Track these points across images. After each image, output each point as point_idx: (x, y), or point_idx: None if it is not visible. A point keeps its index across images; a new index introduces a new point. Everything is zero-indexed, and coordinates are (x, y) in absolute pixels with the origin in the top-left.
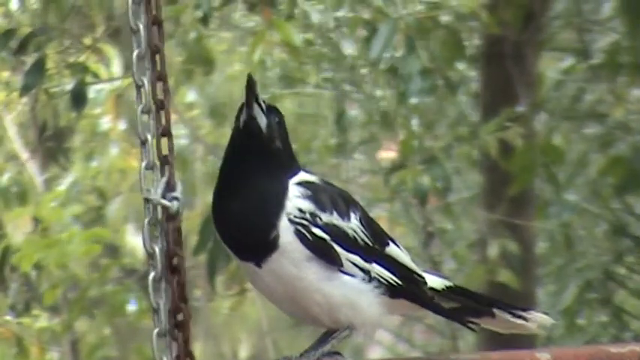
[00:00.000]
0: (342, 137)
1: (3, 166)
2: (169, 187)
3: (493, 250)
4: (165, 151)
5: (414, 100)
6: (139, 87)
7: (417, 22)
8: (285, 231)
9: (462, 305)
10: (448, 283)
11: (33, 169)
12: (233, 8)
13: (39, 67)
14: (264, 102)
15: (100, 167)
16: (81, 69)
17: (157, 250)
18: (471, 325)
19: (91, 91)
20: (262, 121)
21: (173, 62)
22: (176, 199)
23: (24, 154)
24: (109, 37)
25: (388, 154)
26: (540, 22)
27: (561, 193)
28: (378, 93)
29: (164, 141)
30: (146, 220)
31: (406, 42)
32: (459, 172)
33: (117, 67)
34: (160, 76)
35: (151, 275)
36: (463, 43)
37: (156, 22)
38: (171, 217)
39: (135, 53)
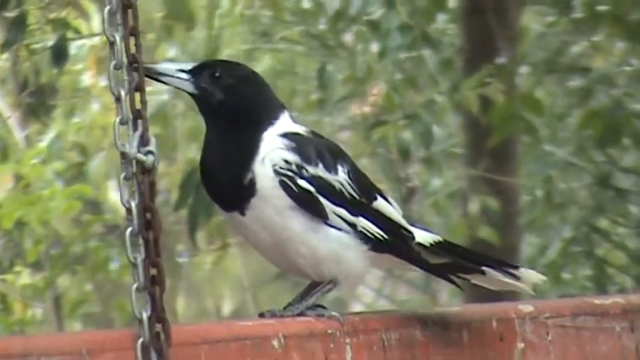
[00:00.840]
0: (322, 93)
1: None
2: (143, 141)
3: (474, 206)
4: (138, 105)
5: (394, 56)
6: (111, 43)
7: None
8: (266, 178)
9: (451, 262)
10: (438, 239)
11: (14, 126)
12: None
13: (20, 23)
14: (191, 67)
15: (81, 123)
16: (62, 25)
17: (133, 205)
18: (457, 281)
19: (72, 48)
20: (188, 87)
21: (154, 18)
22: (151, 152)
23: (5, 111)
24: None
25: (361, 110)
26: None
27: (542, 147)
28: (359, 48)
29: (137, 96)
30: (122, 175)
31: None
32: (440, 125)
33: (97, 23)
34: (133, 32)
35: (128, 230)
36: None
37: None
38: (146, 171)
39: (106, 9)
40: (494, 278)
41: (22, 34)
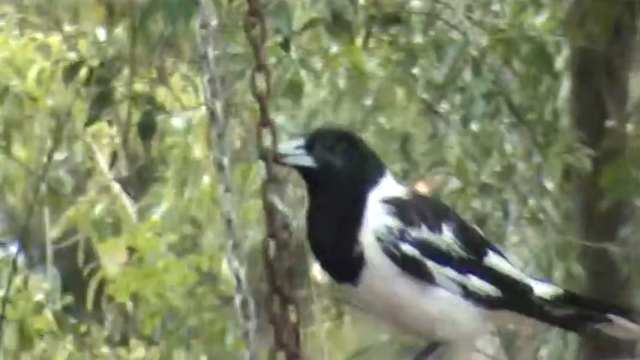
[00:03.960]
0: (406, 164)
1: (96, 197)
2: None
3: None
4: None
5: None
6: (211, 112)
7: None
8: (372, 248)
9: (576, 312)
10: (559, 290)
11: (125, 200)
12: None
13: (104, 98)
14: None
15: (192, 196)
16: (148, 99)
17: (241, 274)
18: (586, 331)
19: (179, 120)
20: (309, 162)
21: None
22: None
23: (116, 186)
24: (194, 64)
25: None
26: (630, 36)
27: None
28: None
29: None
30: (229, 243)
31: (472, 63)
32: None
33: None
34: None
35: (238, 299)
36: (550, 57)
37: None
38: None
39: (205, 78)
40: (622, 326)
41: (105, 109)
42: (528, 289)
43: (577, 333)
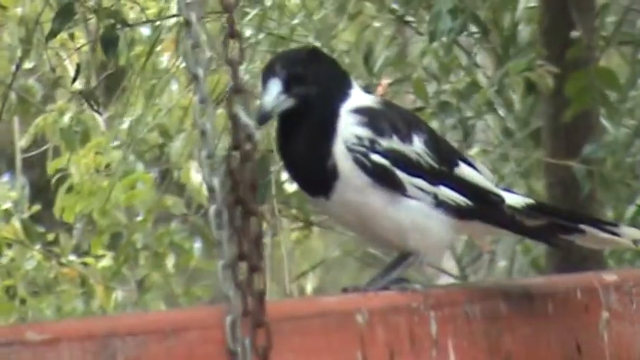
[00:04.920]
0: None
1: (64, 106)
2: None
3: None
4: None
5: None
6: (186, 22)
7: None
8: (343, 159)
9: (548, 223)
10: (530, 201)
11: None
12: None
13: (68, 11)
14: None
15: (161, 105)
16: (111, 13)
17: (215, 183)
18: (558, 242)
19: (146, 29)
20: (291, 104)
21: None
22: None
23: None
24: None
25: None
26: None
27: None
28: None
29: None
30: (203, 153)
31: None
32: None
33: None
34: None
35: (212, 208)
36: None
37: None
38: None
39: None
40: (594, 236)
41: (68, 23)
42: (500, 200)
43: (548, 244)
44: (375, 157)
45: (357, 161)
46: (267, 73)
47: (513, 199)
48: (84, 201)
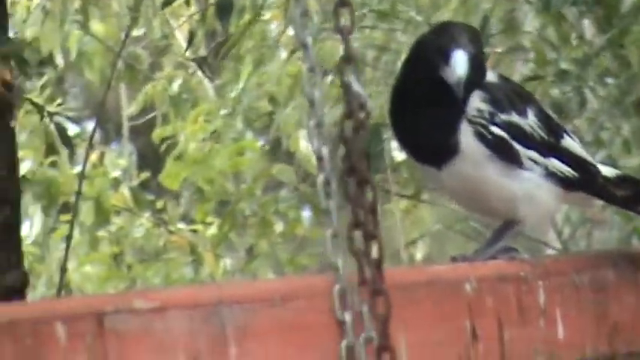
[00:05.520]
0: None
1: (173, 73)
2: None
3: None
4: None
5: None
6: None
7: None
8: (465, 133)
9: (636, 193)
10: (620, 173)
11: (203, 78)
12: None
13: None
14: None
15: (270, 73)
16: None
17: (324, 152)
18: None
19: None
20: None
21: None
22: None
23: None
24: None
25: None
26: None
27: None
28: None
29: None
30: (312, 122)
31: None
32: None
33: None
34: None
35: (320, 177)
36: None
37: None
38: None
39: None
40: None
41: None
42: (597, 170)
43: (637, 213)
44: (495, 130)
45: (477, 134)
46: (453, 44)
47: (606, 170)
48: (189, 169)
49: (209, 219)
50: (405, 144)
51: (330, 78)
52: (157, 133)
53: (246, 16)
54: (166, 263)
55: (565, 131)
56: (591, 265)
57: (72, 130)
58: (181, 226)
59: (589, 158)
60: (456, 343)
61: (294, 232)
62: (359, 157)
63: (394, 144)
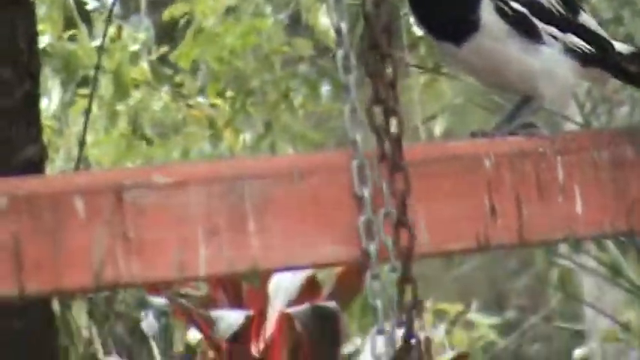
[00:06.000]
0: None
1: None
2: None
3: None
4: None
5: None
6: None
7: None
8: (486, 8)
9: None
10: (633, 49)
11: None
12: None
13: None
14: None
15: None
16: None
17: (343, 27)
18: None
19: None
20: None
21: None
22: None
23: None
24: None
25: None
26: None
27: None
28: None
29: None
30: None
31: None
32: None
33: None
34: None
35: (339, 52)
36: None
37: None
38: None
39: None
40: None
41: None
42: (611, 47)
43: None
44: (515, 5)
45: (497, 9)
46: None
47: (620, 46)
48: (199, 47)
49: (228, 93)
50: (422, 20)
51: None
52: (166, 14)
53: None
54: (185, 137)
55: (581, 7)
56: (610, 141)
57: (91, 4)
58: (201, 99)
59: (605, 34)
60: (474, 219)
61: (312, 105)
62: (380, 32)
63: (412, 19)
